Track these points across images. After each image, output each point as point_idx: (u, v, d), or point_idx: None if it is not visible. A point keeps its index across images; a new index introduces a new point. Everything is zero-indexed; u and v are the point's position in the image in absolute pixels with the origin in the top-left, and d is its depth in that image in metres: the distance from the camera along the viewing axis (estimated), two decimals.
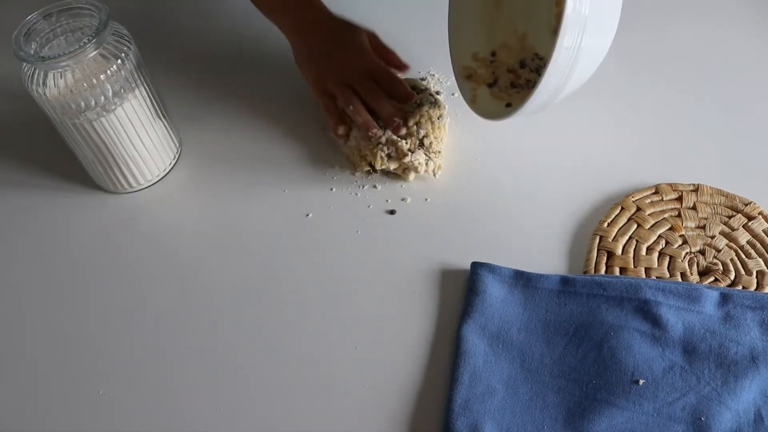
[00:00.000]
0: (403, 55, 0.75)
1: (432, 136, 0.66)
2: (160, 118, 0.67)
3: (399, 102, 0.67)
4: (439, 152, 0.67)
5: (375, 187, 0.67)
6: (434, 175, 0.67)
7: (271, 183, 0.68)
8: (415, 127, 0.66)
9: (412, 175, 0.66)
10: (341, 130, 0.68)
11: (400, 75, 0.72)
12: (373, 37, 0.72)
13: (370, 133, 0.65)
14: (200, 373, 0.57)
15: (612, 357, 0.53)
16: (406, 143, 0.65)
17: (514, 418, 0.52)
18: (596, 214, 0.63)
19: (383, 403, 0.54)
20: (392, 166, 0.66)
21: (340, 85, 0.68)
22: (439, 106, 0.68)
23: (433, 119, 0.67)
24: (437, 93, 0.71)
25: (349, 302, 0.60)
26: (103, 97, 0.60)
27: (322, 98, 0.70)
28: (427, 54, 0.77)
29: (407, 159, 0.65)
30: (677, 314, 0.55)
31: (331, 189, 0.67)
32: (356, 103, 0.67)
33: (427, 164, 0.66)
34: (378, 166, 0.66)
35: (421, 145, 0.66)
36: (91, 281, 0.63)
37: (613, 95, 0.73)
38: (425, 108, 0.67)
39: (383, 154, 0.65)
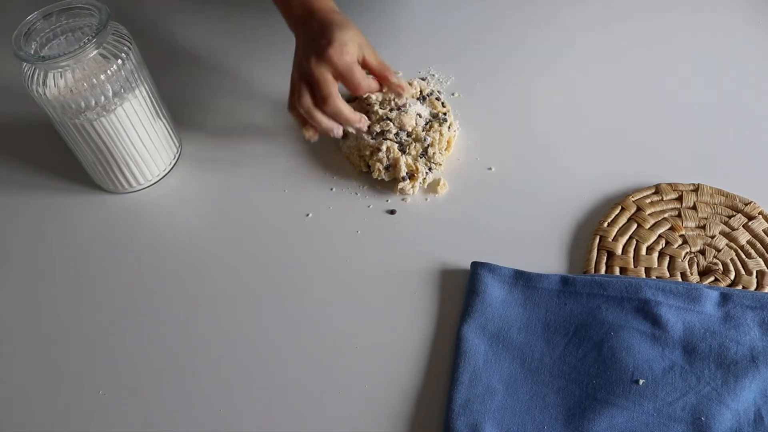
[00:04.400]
0: (403, 54, 0.75)
1: (437, 147, 0.66)
2: (160, 118, 0.67)
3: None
4: (440, 164, 0.66)
5: (375, 186, 0.67)
6: (435, 192, 0.66)
7: (271, 183, 0.68)
8: (423, 132, 0.66)
9: (399, 186, 0.66)
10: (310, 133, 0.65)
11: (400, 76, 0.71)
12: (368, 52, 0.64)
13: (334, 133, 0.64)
14: (200, 373, 0.57)
15: (612, 357, 0.53)
16: (408, 152, 0.65)
17: (514, 417, 0.52)
18: (596, 214, 0.63)
19: (383, 403, 0.54)
20: (388, 178, 0.66)
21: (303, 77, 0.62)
22: (450, 125, 0.68)
23: (443, 132, 0.67)
24: (439, 92, 0.71)
25: (348, 302, 0.60)
26: (103, 97, 0.60)
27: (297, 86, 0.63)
28: (427, 54, 0.77)
29: (400, 186, 0.65)
30: (677, 314, 0.55)
31: (331, 189, 0.67)
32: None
33: (425, 177, 0.65)
34: (375, 176, 0.66)
35: (425, 152, 0.66)
36: (91, 281, 0.63)
37: (612, 95, 0.73)
38: (436, 125, 0.67)
39: (381, 167, 0.65)
